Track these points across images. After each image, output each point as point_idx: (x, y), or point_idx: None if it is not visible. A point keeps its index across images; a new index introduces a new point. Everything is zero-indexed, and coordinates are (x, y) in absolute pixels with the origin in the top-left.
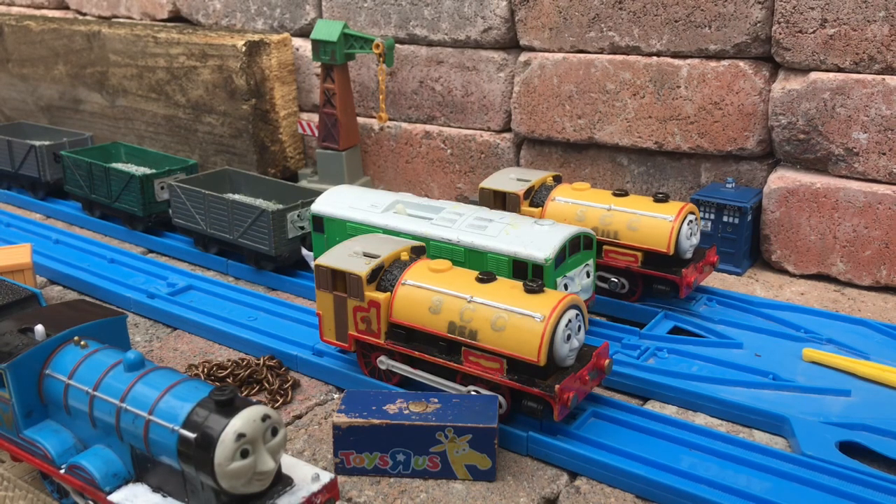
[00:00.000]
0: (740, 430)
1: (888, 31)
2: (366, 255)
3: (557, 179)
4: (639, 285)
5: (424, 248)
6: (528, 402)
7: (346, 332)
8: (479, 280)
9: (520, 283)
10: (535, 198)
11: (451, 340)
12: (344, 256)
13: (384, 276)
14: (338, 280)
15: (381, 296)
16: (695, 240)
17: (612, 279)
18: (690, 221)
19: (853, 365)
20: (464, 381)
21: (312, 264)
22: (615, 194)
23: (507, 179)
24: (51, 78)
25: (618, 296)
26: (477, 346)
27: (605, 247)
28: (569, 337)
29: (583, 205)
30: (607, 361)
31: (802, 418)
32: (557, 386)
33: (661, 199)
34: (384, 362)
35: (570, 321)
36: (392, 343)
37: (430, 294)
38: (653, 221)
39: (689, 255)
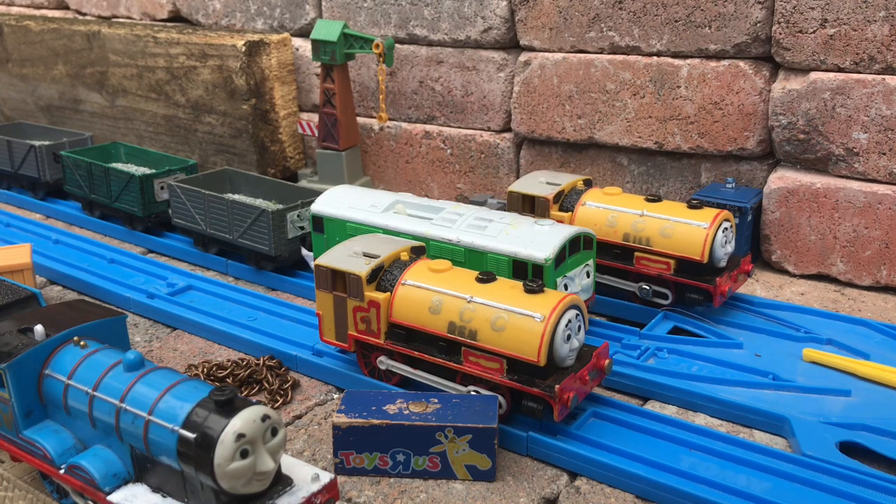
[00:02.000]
0: (740, 430)
1: (888, 31)
2: (366, 255)
3: (588, 183)
4: (671, 293)
5: (424, 248)
6: (528, 403)
7: (346, 333)
8: (479, 280)
9: (520, 283)
10: (565, 202)
11: (450, 340)
12: (344, 256)
13: (384, 276)
14: (338, 280)
15: (380, 296)
16: (729, 248)
17: (644, 286)
18: (725, 229)
19: (853, 365)
20: (464, 381)
21: (312, 264)
22: (648, 200)
23: (537, 183)
24: (51, 78)
25: (649, 303)
26: (477, 346)
27: (636, 253)
28: (569, 337)
29: (614, 210)
30: (607, 361)
31: (802, 418)
32: (557, 386)
33: (695, 205)
34: (384, 362)
35: (570, 321)
36: (392, 343)
37: (430, 294)
38: (687, 228)
39: (723, 264)
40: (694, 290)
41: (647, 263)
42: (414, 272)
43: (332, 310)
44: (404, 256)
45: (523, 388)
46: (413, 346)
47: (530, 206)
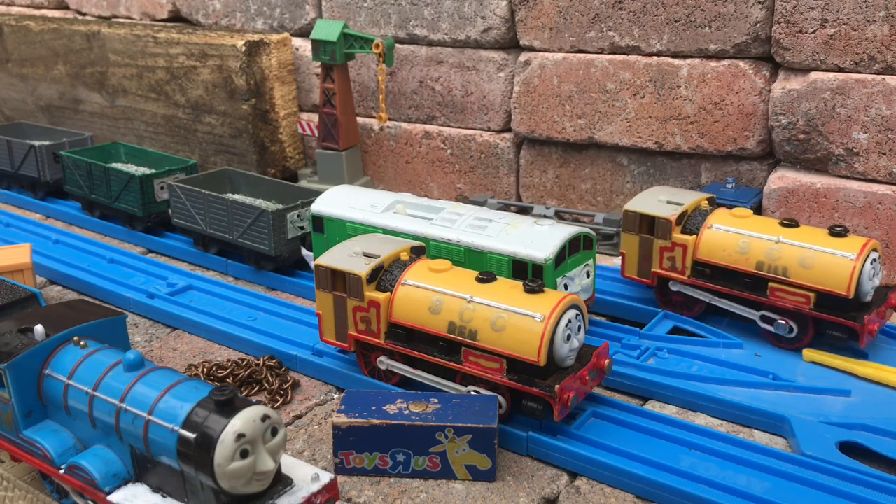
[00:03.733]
0: (740, 430)
1: (888, 31)
2: (366, 255)
3: (712, 203)
4: (809, 329)
5: (424, 248)
6: (528, 402)
7: (346, 332)
8: (479, 280)
9: (520, 283)
10: (689, 224)
11: (450, 340)
12: (344, 256)
13: (384, 276)
14: (338, 280)
15: (380, 296)
16: (877, 280)
17: (779, 321)
18: (874, 260)
19: (852, 366)
20: (464, 381)
21: (312, 264)
22: (783, 224)
23: (657, 202)
24: (51, 78)
25: (785, 340)
26: (477, 346)
27: (770, 284)
28: (569, 337)
29: (746, 235)
30: (607, 361)
31: (802, 418)
32: (557, 386)
33: (838, 232)
34: (384, 362)
35: (570, 321)
36: (392, 343)
37: (430, 294)
38: (830, 259)
39: (869, 298)
40: (837, 327)
41: (782, 296)
42: (414, 272)
43: (332, 310)
44: (404, 256)
45: (523, 388)
46: (413, 346)
47: (649, 226)
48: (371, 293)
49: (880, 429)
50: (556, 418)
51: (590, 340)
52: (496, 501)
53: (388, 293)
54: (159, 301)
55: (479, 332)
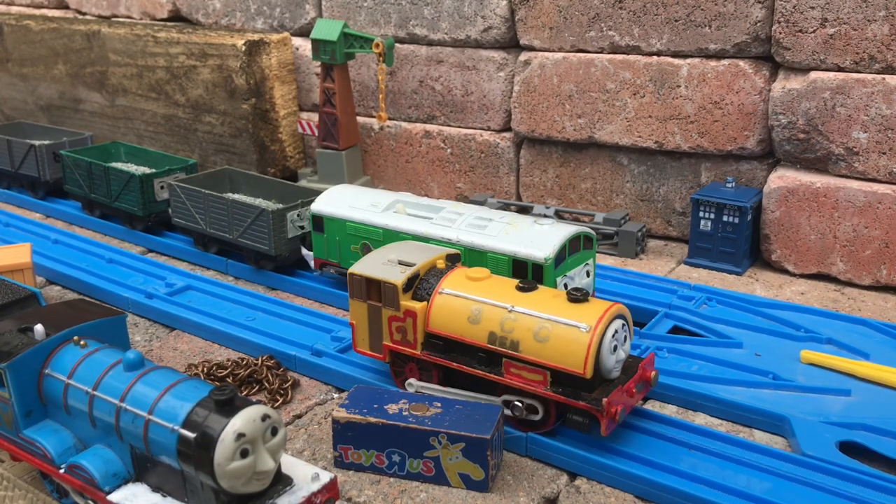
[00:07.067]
0: (740, 430)
1: (888, 31)
2: (401, 263)
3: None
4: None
5: (459, 256)
6: (574, 416)
7: (381, 343)
8: (520, 289)
9: (563, 292)
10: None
11: (491, 351)
12: (378, 265)
13: (420, 284)
14: (372, 289)
15: (417, 305)
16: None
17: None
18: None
19: (851, 366)
20: (504, 393)
21: (312, 264)
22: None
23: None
24: (51, 77)
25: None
26: (519, 358)
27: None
28: (615, 348)
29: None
30: (653, 373)
31: (802, 418)
32: (605, 399)
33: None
34: (412, 385)
35: (616, 331)
36: (429, 354)
37: (469, 303)
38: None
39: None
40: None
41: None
42: (451, 280)
43: (366, 319)
44: (440, 264)
45: (569, 401)
46: (451, 357)
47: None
48: (407, 302)
49: (880, 429)
50: (604, 432)
51: None
52: (496, 501)
53: (425, 302)
54: (158, 301)
55: (522, 343)
